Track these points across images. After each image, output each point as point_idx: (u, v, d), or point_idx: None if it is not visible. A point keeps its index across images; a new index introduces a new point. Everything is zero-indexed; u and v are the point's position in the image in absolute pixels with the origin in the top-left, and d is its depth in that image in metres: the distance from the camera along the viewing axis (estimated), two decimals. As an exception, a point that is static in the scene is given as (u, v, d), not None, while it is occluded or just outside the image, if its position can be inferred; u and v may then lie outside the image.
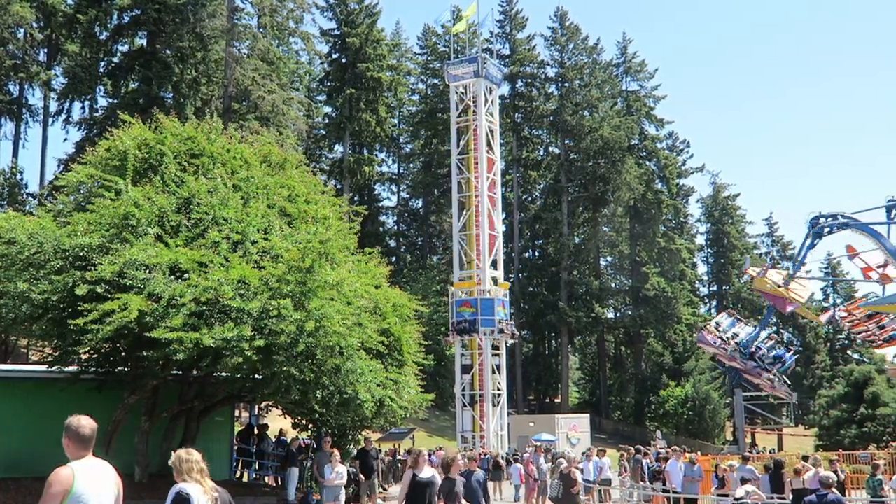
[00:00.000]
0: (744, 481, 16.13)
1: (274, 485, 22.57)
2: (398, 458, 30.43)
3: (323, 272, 15.10)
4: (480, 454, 29.20)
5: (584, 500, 19.44)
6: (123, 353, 16.62)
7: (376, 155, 70.96)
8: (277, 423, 28.06)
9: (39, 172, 50.28)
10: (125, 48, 47.14)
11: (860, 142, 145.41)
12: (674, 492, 19.42)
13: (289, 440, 21.77)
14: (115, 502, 5.08)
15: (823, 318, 28.98)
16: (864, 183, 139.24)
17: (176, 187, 16.61)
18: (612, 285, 76.82)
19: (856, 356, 73.69)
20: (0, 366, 24.45)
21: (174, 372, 16.86)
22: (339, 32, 65.60)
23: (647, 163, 74.04)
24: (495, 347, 43.96)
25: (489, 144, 45.51)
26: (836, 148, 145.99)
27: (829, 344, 77.25)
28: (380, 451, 25.81)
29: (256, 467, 23.81)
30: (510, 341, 45.22)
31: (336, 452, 17.19)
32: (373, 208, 66.64)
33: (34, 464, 14.97)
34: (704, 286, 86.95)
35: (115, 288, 14.11)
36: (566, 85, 71.67)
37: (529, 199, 76.52)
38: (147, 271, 14.41)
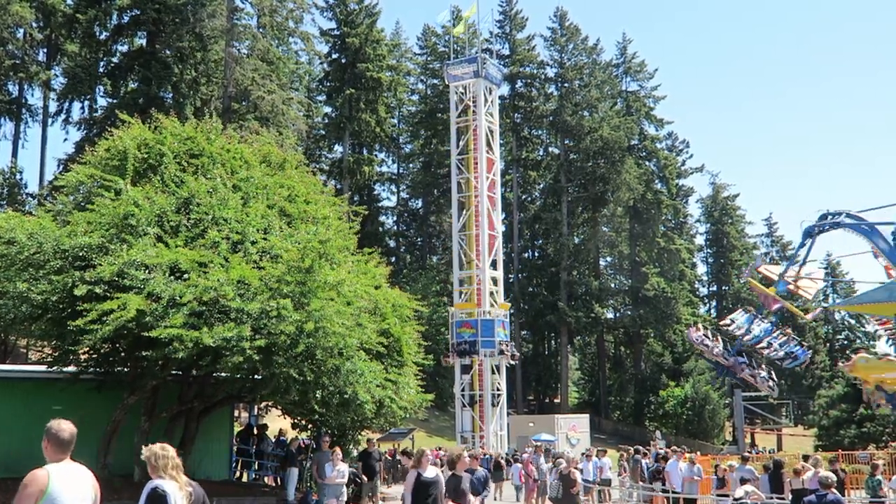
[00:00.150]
0: (743, 481, 16.14)
1: (273, 485, 22.56)
2: (396, 458, 30.42)
3: (323, 272, 15.10)
4: (480, 454, 29.17)
5: (583, 501, 19.44)
6: (123, 354, 16.61)
7: (376, 155, 70.95)
8: (277, 423, 28.05)
9: (39, 172, 50.35)
10: (125, 48, 47.13)
11: (860, 142, 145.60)
12: (673, 492, 19.44)
13: (288, 440, 21.77)
14: None
15: (810, 315, 28.95)
16: (864, 183, 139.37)
17: (175, 187, 16.61)
18: (612, 285, 76.85)
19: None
20: (0, 366, 24.46)
21: (174, 372, 16.86)
22: (338, 32, 65.58)
23: (647, 163, 74.06)
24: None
25: (489, 144, 45.49)
26: (835, 148, 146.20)
27: (828, 344, 77.30)
28: (382, 452, 25.81)
29: (256, 467, 23.81)
30: (510, 362, 45.16)
31: (338, 450, 17.17)
32: (372, 208, 66.62)
33: (34, 464, 14.86)
34: (704, 286, 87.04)
35: (114, 288, 14.11)
36: (566, 85, 71.68)
37: (529, 199, 76.53)
38: (147, 271, 14.41)
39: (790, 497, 15.52)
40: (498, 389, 43.89)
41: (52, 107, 48.25)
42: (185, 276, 14.66)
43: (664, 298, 69.29)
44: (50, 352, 17.74)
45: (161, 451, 5.75)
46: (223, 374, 16.26)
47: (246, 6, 47.55)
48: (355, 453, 22.08)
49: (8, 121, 47.92)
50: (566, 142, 71.68)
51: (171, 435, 18.10)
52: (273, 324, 14.17)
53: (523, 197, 75.20)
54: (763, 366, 30.71)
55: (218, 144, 18.78)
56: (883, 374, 22.34)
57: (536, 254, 78.06)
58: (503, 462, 28.52)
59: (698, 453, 28.68)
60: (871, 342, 71.72)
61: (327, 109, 68.06)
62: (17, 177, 46.70)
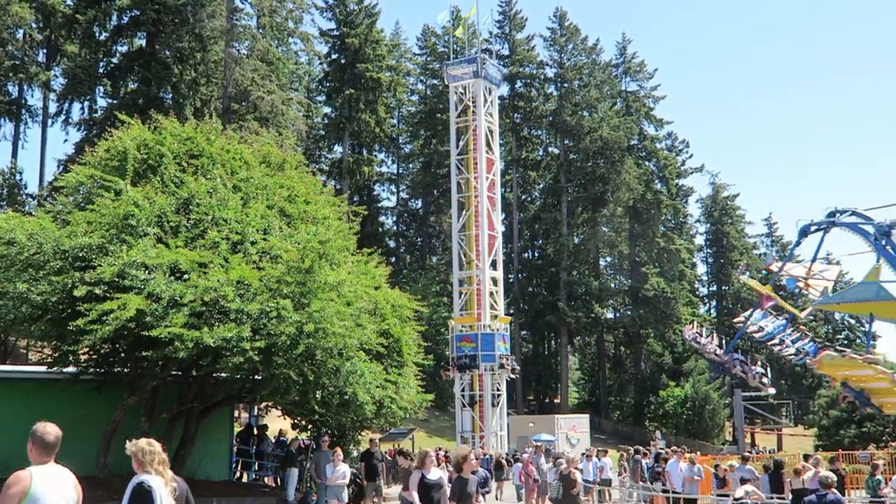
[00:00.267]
0: (743, 481, 16.14)
1: (273, 485, 22.56)
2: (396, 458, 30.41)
3: (323, 273, 15.10)
4: (480, 454, 29.18)
5: (583, 501, 19.44)
6: (123, 354, 16.60)
7: (375, 155, 70.97)
8: (277, 423, 28.05)
9: (39, 173, 50.37)
10: (124, 49, 47.09)
11: (859, 142, 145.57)
12: (674, 492, 19.44)
13: (288, 441, 21.76)
14: None
15: (804, 313, 29.04)
16: (864, 183, 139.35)
17: (175, 188, 16.60)
18: (612, 285, 76.87)
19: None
20: (0, 366, 24.44)
21: (174, 372, 16.84)
22: (338, 33, 65.60)
23: (647, 163, 74.09)
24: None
25: (488, 145, 45.49)
26: (835, 148, 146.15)
27: (828, 344, 77.20)
28: (384, 452, 25.82)
29: (256, 468, 23.81)
30: (511, 376, 45.13)
31: (338, 451, 17.14)
32: (372, 209, 66.62)
33: (34, 465, 14.93)
34: (704, 286, 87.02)
35: (114, 289, 14.09)
36: (565, 85, 71.71)
37: (529, 199, 76.55)
38: (147, 272, 14.40)
39: (790, 497, 15.53)
40: (498, 390, 43.89)
41: (52, 107, 48.32)
42: (185, 276, 14.66)
43: (664, 298, 69.31)
44: (50, 352, 17.72)
45: (147, 447, 5.76)
46: (223, 375, 16.25)
47: (245, 6, 47.62)
48: (355, 454, 22.08)
49: (8, 121, 47.92)
50: (566, 142, 71.70)
51: (171, 435, 18.10)
52: (273, 324, 14.17)
53: (523, 197, 75.23)
54: (759, 363, 30.77)
55: (218, 145, 18.76)
56: (847, 372, 22.66)
57: (536, 254, 78.08)
58: (504, 462, 28.52)
59: (698, 453, 28.70)
60: (871, 342, 71.77)
61: (327, 110, 68.09)
62: (17, 177, 46.74)
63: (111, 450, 16.61)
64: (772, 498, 16.02)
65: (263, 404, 24.43)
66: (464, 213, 45.05)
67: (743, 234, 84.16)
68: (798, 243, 24.05)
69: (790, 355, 27.20)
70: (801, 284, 24.26)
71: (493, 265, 44.81)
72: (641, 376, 72.52)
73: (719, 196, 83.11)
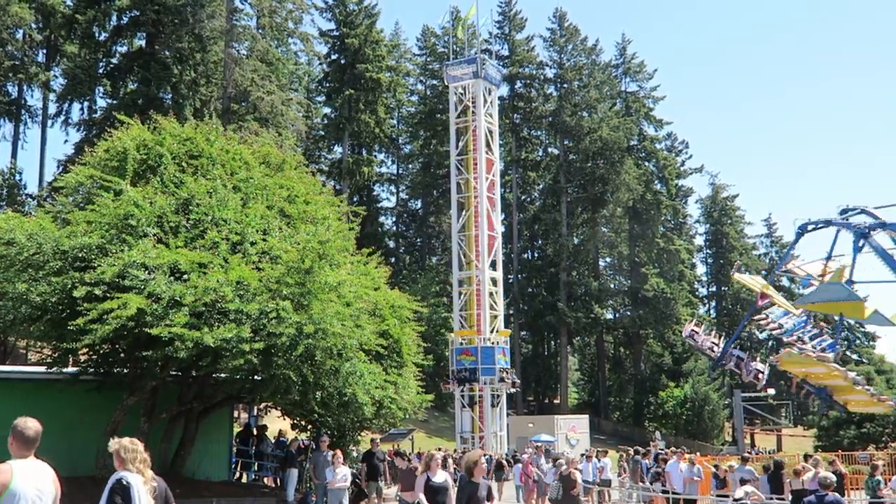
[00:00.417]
0: (743, 482, 16.14)
1: (273, 486, 22.56)
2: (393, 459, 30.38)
3: (322, 273, 15.09)
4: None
5: (583, 501, 19.44)
6: (122, 354, 16.60)
7: (375, 156, 70.97)
8: (276, 424, 28.07)
9: (38, 173, 50.39)
10: (124, 49, 47.06)
11: (859, 142, 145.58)
12: (673, 492, 19.44)
13: (288, 441, 21.76)
14: (52, 502, 5.30)
15: (800, 311, 29.13)
16: (864, 183, 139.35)
17: (175, 188, 16.60)
18: (612, 286, 76.86)
19: (854, 356, 73.73)
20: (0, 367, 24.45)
21: (173, 373, 16.85)
22: (338, 33, 65.60)
23: (646, 163, 74.09)
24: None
25: (488, 145, 45.50)
26: (835, 148, 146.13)
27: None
28: (385, 452, 25.80)
29: (256, 468, 23.80)
30: (511, 390, 45.09)
31: (339, 453, 17.12)
32: (372, 209, 66.64)
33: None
34: (703, 287, 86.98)
35: (114, 289, 14.09)
36: (565, 86, 71.72)
37: (528, 199, 76.56)
38: (147, 272, 14.40)
39: (790, 498, 15.53)
40: (497, 391, 43.89)
41: (52, 108, 48.29)
42: (185, 277, 14.65)
43: (664, 299, 69.32)
44: (49, 353, 17.72)
45: (130, 445, 5.90)
46: (223, 375, 16.26)
47: (245, 7, 47.61)
48: (355, 454, 22.07)
49: (7, 122, 47.90)
50: (565, 142, 71.71)
51: (171, 435, 18.12)
52: (273, 325, 14.17)
53: (523, 197, 75.24)
54: (757, 359, 30.82)
55: (217, 145, 18.76)
56: (805, 369, 23.05)
57: (536, 254, 78.09)
58: (505, 462, 28.50)
59: (698, 454, 28.72)
60: (871, 342, 71.82)
61: (327, 110, 68.10)
62: (17, 178, 46.72)
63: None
64: (771, 498, 16.02)
65: (263, 405, 24.42)
66: (463, 213, 45.05)
67: (742, 235, 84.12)
68: (796, 242, 24.14)
69: (808, 353, 27.21)
70: (815, 283, 24.35)
71: (493, 265, 44.82)
72: (641, 377, 72.52)
73: (719, 196, 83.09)
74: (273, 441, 24.04)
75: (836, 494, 10.51)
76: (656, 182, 74.33)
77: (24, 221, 15.98)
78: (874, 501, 16.08)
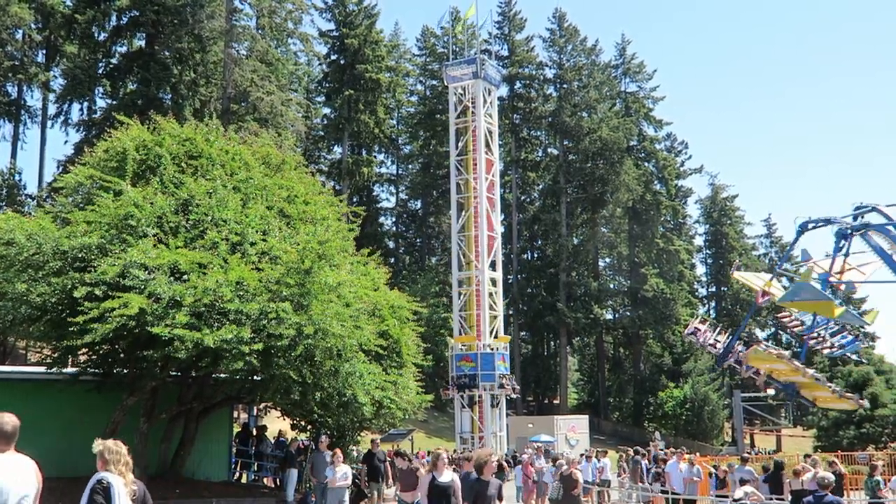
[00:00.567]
0: (743, 482, 16.13)
1: (273, 486, 22.56)
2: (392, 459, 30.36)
3: (322, 274, 15.09)
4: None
5: (583, 502, 19.45)
6: (122, 354, 16.60)
7: (375, 156, 70.98)
8: (276, 424, 28.07)
9: (38, 174, 50.39)
10: (124, 49, 47.09)
11: (859, 142, 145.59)
12: (673, 493, 19.45)
13: (288, 441, 21.76)
14: (34, 496, 5.35)
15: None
16: (863, 183, 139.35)
17: (175, 189, 16.60)
18: (611, 286, 76.87)
19: (854, 357, 73.70)
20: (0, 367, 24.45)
21: (173, 373, 16.85)
22: (337, 34, 65.63)
23: (646, 164, 74.11)
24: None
25: (488, 145, 45.51)
26: (834, 148, 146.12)
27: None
28: (385, 452, 25.78)
29: (255, 468, 23.81)
30: (510, 396, 45.09)
31: (339, 453, 17.10)
32: (371, 209, 66.66)
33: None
34: (703, 287, 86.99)
35: (114, 289, 14.09)
36: (565, 86, 71.74)
37: (528, 200, 76.57)
38: (148, 272, 14.40)
39: (790, 498, 15.54)
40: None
41: (52, 108, 48.32)
42: (185, 277, 14.65)
43: (663, 299, 69.33)
44: (49, 353, 17.72)
45: (114, 447, 5.95)
46: (223, 376, 16.26)
47: (245, 7, 47.62)
48: (355, 454, 22.07)
49: (7, 122, 47.91)
50: (565, 143, 71.73)
51: (171, 436, 18.13)
52: (272, 325, 14.17)
53: (522, 198, 75.25)
54: None
55: (217, 146, 18.76)
56: (769, 365, 23.44)
57: (535, 255, 78.11)
58: (505, 463, 28.50)
59: (697, 454, 28.73)
60: (871, 342, 71.79)
61: (326, 110, 68.13)
62: (16, 178, 46.72)
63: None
64: (771, 499, 16.03)
65: (263, 405, 24.44)
66: (463, 213, 45.05)
67: (742, 235, 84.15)
68: (796, 241, 24.16)
69: (826, 349, 27.23)
70: (832, 280, 24.36)
71: (493, 266, 44.82)
72: (641, 377, 72.53)
73: (718, 197, 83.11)
74: (273, 441, 24.04)
75: (835, 495, 10.51)
76: (656, 182, 74.34)
77: (23, 222, 15.96)
78: (873, 502, 16.10)
